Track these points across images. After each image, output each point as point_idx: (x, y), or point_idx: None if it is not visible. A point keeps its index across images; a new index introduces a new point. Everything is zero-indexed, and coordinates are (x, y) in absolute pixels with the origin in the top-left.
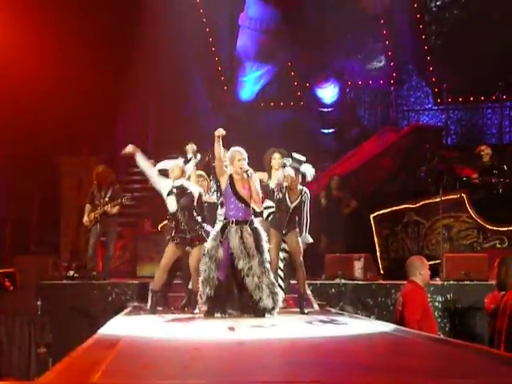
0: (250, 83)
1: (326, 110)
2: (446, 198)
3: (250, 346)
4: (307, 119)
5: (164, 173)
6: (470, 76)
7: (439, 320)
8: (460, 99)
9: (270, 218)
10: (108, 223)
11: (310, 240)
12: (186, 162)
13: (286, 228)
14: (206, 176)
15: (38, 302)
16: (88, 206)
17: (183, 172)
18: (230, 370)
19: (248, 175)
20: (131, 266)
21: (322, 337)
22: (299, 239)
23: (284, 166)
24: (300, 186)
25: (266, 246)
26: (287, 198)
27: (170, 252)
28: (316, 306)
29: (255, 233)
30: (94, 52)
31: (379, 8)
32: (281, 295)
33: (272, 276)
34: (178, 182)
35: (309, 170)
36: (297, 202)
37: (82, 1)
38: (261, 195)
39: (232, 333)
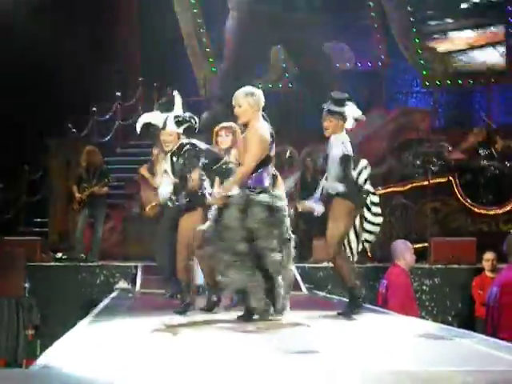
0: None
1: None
2: (434, 181)
3: None
4: (294, 101)
5: None
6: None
7: (427, 303)
8: (448, 82)
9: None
10: (96, 204)
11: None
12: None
13: None
14: None
15: (26, 284)
16: (75, 188)
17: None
18: None
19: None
20: (119, 248)
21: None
22: None
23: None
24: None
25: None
26: None
27: None
28: (304, 290)
29: None
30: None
31: None
32: None
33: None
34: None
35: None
36: None
37: None
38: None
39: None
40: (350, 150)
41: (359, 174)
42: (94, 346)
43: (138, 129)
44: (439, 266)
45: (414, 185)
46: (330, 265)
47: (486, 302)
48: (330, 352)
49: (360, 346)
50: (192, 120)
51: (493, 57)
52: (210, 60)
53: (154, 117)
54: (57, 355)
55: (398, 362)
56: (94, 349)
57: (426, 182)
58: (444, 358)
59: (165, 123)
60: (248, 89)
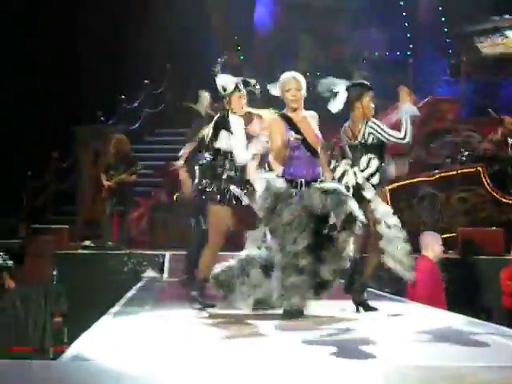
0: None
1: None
2: (462, 171)
3: None
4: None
5: None
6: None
7: (453, 294)
8: (476, 71)
9: None
10: (124, 193)
11: None
12: None
13: None
14: None
15: (54, 272)
16: (103, 176)
17: None
18: None
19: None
20: (147, 236)
21: None
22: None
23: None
24: None
25: None
26: None
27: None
28: None
29: None
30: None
31: None
32: None
33: None
34: None
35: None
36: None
37: None
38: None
39: None
40: None
41: None
42: (121, 339)
43: (221, 88)
44: (467, 256)
45: (442, 175)
46: None
47: None
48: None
49: (385, 340)
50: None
51: None
52: (238, 48)
53: (228, 79)
54: (85, 347)
55: (425, 357)
56: (122, 341)
57: (453, 172)
58: (472, 353)
59: (240, 85)
60: (299, 74)
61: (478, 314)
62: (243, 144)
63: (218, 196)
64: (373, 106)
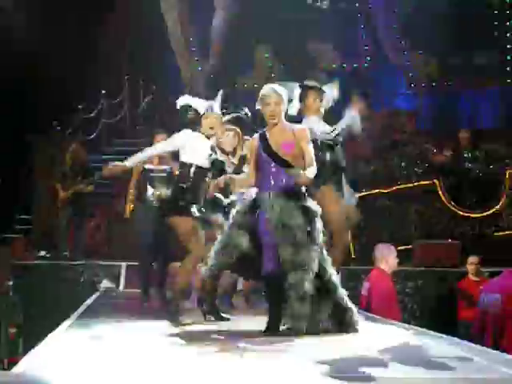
0: None
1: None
2: (419, 183)
3: None
4: None
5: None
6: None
7: (409, 306)
8: (433, 84)
9: None
10: (80, 203)
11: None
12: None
13: None
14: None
15: (10, 282)
16: (59, 186)
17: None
18: None
19: None
20: (104, 247)
21: None
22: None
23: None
24: None
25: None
26: None
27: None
28: None
29: None
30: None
31: None
32: None
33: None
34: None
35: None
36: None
37: None
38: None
39: None
40: None
41: None
42: (74, 351)
43: (179, 106)
44: (422, 268)
45: (399, 187)
46: None
47: (481, 307)
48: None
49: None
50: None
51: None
52: (196, 59)
53: (197, 101)
54: (37, 359)
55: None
56: (74, 353)
57: (410, 185)
58: (430, 365)
59: (211, 107)
60: (279, 86)
61: (433, 326)
62: (203, 160)
63: (181, 208)
64: (320, 105)
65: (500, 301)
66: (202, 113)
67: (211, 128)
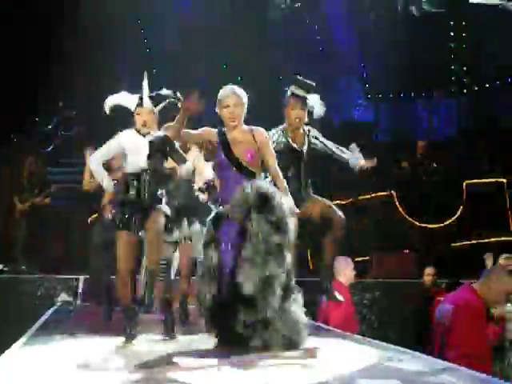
0: None
1: None
2: (376, 195)
3: None
4: None
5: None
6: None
7: (367, 317)
8: (390, 95)
9: None
10: (38, 215)
11: None
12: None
13: None
14: None
15: None
16: (16, 198)
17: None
18: None
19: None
20: (61, 260)
21: None
22: None
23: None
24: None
25: None
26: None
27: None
28: None
29: None
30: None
31: None
32: None
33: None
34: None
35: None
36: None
37: None
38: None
39: None
40: None
41: None
42: (30, 367)
43: (108, 111)
44: (380, 280)
45: (357, 198)
46: None
47: (436, 319)
48: None
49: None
50: (171, 95)
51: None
52: (154, 70)
53: (123, 97)
54: None
55: None
56: (31, 370)
57: (367, 196)
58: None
59: (141, 100)
60: (239, 88)
61: (391, 337)
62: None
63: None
64: (295, 113)
65: (451, 312)
66: (132, 109)
67: (144, 125)
